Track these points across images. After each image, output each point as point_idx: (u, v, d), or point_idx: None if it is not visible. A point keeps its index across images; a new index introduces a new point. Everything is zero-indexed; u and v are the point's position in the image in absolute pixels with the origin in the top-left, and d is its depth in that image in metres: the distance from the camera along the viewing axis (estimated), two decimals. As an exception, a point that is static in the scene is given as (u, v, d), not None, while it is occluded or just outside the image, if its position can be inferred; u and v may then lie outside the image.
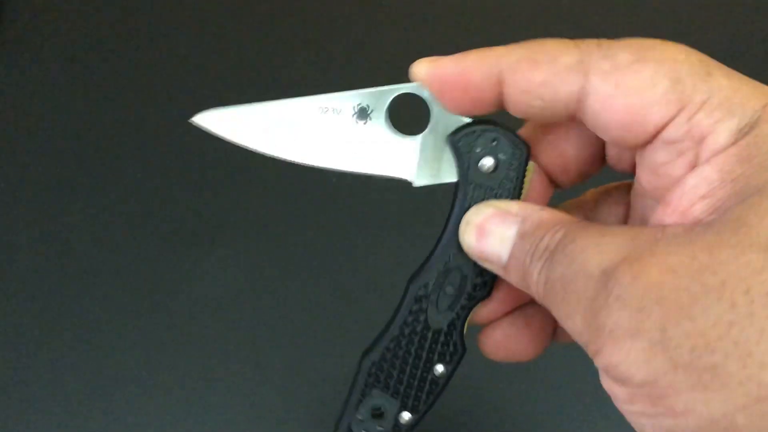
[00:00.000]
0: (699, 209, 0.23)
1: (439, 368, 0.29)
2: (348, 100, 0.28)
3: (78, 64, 0.64)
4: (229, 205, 0.58)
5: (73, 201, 0.58)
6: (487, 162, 0.28)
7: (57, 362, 0.52)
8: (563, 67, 0.24)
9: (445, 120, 0.28)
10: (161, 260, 0.55)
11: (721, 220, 0.22)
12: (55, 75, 0.64)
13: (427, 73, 0.26)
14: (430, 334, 0.29)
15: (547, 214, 0.26)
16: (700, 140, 0.23)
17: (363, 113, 0.28)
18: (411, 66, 0.27)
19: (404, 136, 0.29)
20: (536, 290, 0.25)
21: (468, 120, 0.28)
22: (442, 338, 0.29)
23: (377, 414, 0.29)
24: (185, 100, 0.62)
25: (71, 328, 0.53)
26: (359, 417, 0.29)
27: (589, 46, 0.24)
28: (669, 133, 0.23)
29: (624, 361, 0.21)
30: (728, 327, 0.19)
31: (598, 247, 0.23)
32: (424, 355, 0.29)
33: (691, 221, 0.23)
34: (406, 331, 0.29)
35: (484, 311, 0.30)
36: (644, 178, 0.26)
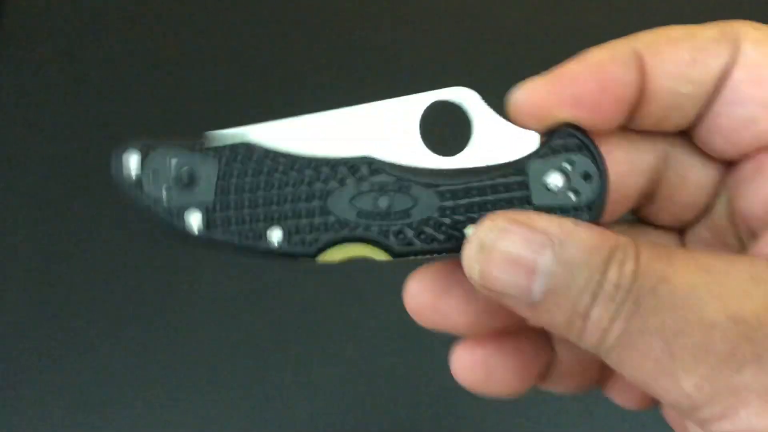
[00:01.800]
0: None
1: None
2: (371, 114, 0.22)
3: (78, 64, 0.64)
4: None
5: (72, 201, 0.58)
6: (556, 179, 0.22)
7: (57, 362, 0.52)
8: (708, 40, 0.21)
9: (493, 132, 0.22)
10: (161, 260, 0.55)
11: None
12: (55, 75, 0.64)
13: (548, 87, 0.21)
14: None
15: (595, 234, 0.20)
16: None
17: (391, 129, 0.22)
18: (513, 95, 0.22)
19: (441, 156, 0.23)
20: (598, 339, 0.19)
21: (533, 132, 0.22)
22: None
23: None
24: (186, 101, 0.62)
25: (71, 328, 0.53)
26: None
27: (728, 22, 0.21)
28: None
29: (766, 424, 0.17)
30: None
31: (711, 289, 0.18)
32: None
33: None
34: None
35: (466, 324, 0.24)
36: (756, 196, 0.22)
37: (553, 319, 0.20)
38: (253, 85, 0.64)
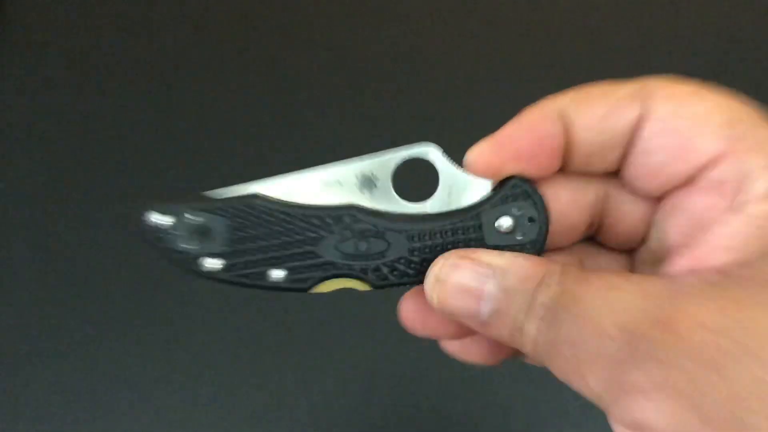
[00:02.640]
0: (719, 259, 0.23)
1: None
2: (350, 171, 0.27)
3: (78, 64, 0.64)
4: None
5: (72, 201, 0.58)
6: (505, 222, 0.26)
7: (56, 362, 0.52)
8: (622, 97, 0.24)
9: (454, 181, 0.27)
10: (162, 260, 0.54)
11: (746, 277, 0.22)
12: (55, 75, 0.64)
13: (493, 146, 0.25)
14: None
15: (530, 264, 0.24)
16: (744, 184, 0.23)
17: (367, 183, 0.27)
18: (467, 156, 0.26)
19: (412, 202, 0.27)
20: (532, 348, 0.24)
21: (487, 180, 0.26)
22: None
23: None
24: (186, 101, 0.62)
25: (70, 328, 0.53)
26: None
27: (645, 80, 0.24)
28: (715, 171, 0.23)
29: (652, 416, 0.20)
30: (759, 383, 0.19)
31: (609, 305, 0.22)
32: None
33: (707, 269, 0.23)
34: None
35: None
36: (674, 228, 0.25)
37: (499, 333, 0.25)
38: (255, 89, 0.64)
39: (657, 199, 0.27)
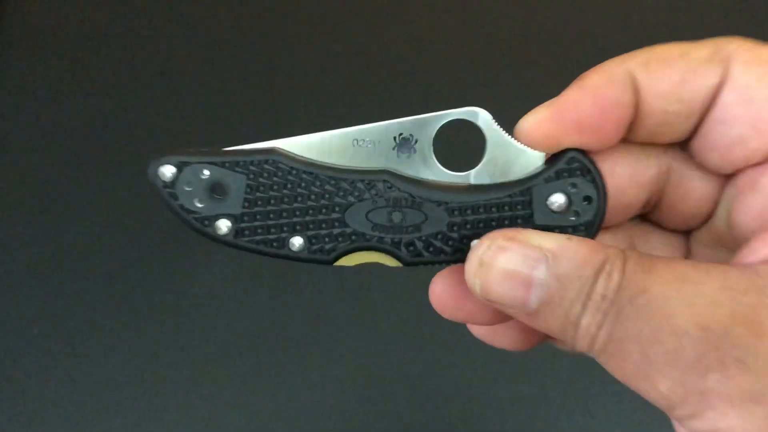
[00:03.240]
0: None
1: None
2: (387, 130, 0.24)
3: (78, 64, 0.65)
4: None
5: (73, 201, 0.58)
6: (558, 200, 0.23)
7: (56, 363, 0.52)
8: (699, 61, 0.22)
9: (503, 151, 0.23)
10: (162, 261, 0.54)
11: None
12: (55, 75, 0.64)
13: (553, 115, 0.22)
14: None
15: (588, 248, 0.21)
16: None
17: (406, 145, 0.24)
18: (521, 124, 0.23)
19: (454, 172, 0.24)
20: (588, 344, 0.21)
21: (540, 153, 0.23)
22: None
23: None
24: (185, 101, 0.62)
25: (70, 328, 0.53)
26: None
27: (722, 40, 0.22)
28: None
29: (739, 428, 0.19)
30: None
31: (685, 299, 0.20)
32: None
33: None
34: None
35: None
36: (748, 209, 0.23)
37: (549, 326, 0.22)
38: (264, 86, 0.63)
39: (727, 176, 0.24)
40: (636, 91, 0.22)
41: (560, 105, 0.22)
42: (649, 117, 0.23)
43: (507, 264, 0.22)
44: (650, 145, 0.24)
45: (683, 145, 0.24)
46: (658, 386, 0.20)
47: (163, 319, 0.53)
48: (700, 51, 0.22)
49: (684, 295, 0.20)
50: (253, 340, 0.52)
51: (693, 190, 0.25)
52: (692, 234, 0.26)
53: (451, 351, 0.48)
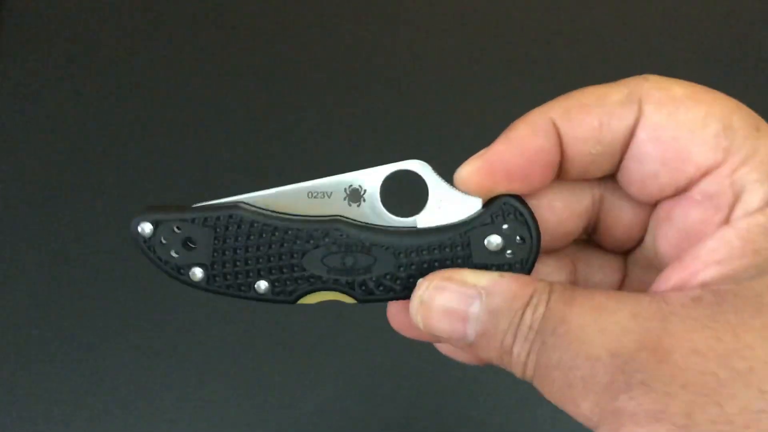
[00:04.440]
0: (709, 274, 0.22)
1: None
2: (338, 183, 0.26)
3: (78, 64, 0.64)
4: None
5: (72, 202, 0.58)
6: (495, 240, 0.25)
7: (56, 363, 0.52)
8: (615, 104, 0.23)
9: (444, 197, 0.26)
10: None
11: (739, 296, 0.21)
12: (55, 75, 0.64)
13: (484, 167, 0.25)
14: None
15: (516, 283, 0.24)
16: (736, 198, 0.22)
17: (355, 195, 0.26)
18: (457, 174, 0.25)
19: (401, 217, 0.26)
20: (521, 370, 0.24)
21: (477, 198, 0.26)
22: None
23: None
24: (186, 101, 0.62)
25: (71, 328, 0.53)
26: None
27: (637, 80, 0.24)
28: (708, 183, 0.23)
29: None
30: (757, 415, 0.19)
31: (598, 328, 0.22)
32: None
33: (696, 284, 0.22)
34: None
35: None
36: (665, 237, 0.25)
37: (488, 355, 0.24)
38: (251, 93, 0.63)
39: (652, 204, 0.26)
40: (559, 138, 0.24)
41: (490, 157, 0.25)
42: (574, 159, 0.25)
43: (444, 302, 0.24)
44: (582, 180, 0.26)
45: (613, 176, 0.26)
46: (580, 407, 0.22)
47: (163, 319, 0.54)
48: (615, 94, 0.24)
49: (599, 323, 0.22)
50: (253, 340, 0.53)
51: (623, 217, 0.27)
52: (628, 256, 0.29)
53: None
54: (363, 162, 0.27)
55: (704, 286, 0.22)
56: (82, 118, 0.63)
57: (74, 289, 0.55)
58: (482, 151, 0.25)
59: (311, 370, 0.52)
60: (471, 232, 0.26)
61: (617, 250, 0.29)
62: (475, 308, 0.24)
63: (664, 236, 0.25)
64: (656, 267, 0.27)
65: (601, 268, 0.29)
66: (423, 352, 0.51)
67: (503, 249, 0.26)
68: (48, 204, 0.59)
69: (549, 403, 0.55)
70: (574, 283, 0.29)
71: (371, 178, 0.26)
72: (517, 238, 0.25)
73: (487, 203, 0.26)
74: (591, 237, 0.29)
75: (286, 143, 0.62)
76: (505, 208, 0.25)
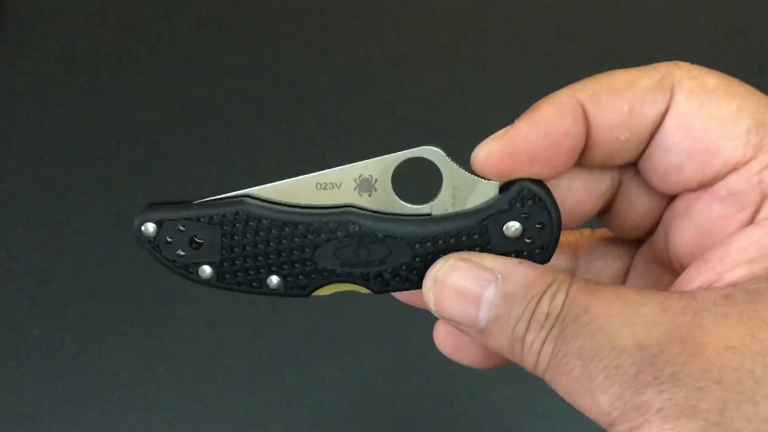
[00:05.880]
0: (739, 274, 0.21)
1: None
2: (347, 173, 0.25)
3: (78, 64, 0.65)
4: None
5: (72, 201, 0.59)
6: (513, 227, 0.25)
7: (57, 363, 0.52)
8: (646, 89, 0.22)
9: (459, 183, 0.25)
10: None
11: (765, 292, 0.20)
12: (55, 75, 0.64)
13: (505, 148, 0.23)
14: None
15: (533, 271, 0.23)
16: (764, 196, 0.21)
17: (365, 185, 0.25)
18: (474, 156, 0.24)
19: (414, 205, 0.26)
20: (533, 361, 0.23)
21: (493, 182, 0.25)
22: None
23: None
24: (186, 100, 0.62)
25: (70, 328, 0.53)
26: None
27: (668, 66, 0.23)
28: (735, 180, 0.22)
29: None
30: None
31: (624, 318, 0.21)
32: None
33: (724, 284, 0.21)
34: None
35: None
36: (682, 232, 0.24)
37: (498, 343, 0.23)
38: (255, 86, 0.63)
39: (671, 196, 0.25)
40: (586, 122, 0.23)
41: (512, 137, 0.23)
42: (600, 145, 0.24)
43: (459, 282, 0.23)
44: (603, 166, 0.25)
45: (634, 162, 0.25)
46: (598, 402, 0.21)
47: (163, 319, 0.54)
48: (647, 78, 0.23)
49: (625, 314, 0.21)
50: (253, 340, 0.53)
51: (638, 205, 0.26)
52: (632, 246, 0.28)
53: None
54: (371, 153, 0.26)
55: (734, 285, 0.21)
56: (82, 117, 0.62)
57: (74, 289, 0.55)
58: (501, 132, 0.24)
59: (311, 370, 0.52)
60: (488, 219, 0.25)
61: (624, 236, 0.28)
62: (490, 292, 0.23)
63: (680, 230, 0.24)
64: (663, 260, 0.26)
65: (603, 254, 0.28)
66: (423, 353, 0.52)
67: (522, 235, 0.25)
68: (48, 204, 0.58)
69: (549, 403, 0.54)
70: (575, 266, 0.28)
71: (382, 167, 0.25)
72: (537, 223, 0.24)
73: (504, 187, 0.25)
74: (599, 218, 0.28)
75: (292, 135, 0.62)
76: (524, 192, 0.24)
